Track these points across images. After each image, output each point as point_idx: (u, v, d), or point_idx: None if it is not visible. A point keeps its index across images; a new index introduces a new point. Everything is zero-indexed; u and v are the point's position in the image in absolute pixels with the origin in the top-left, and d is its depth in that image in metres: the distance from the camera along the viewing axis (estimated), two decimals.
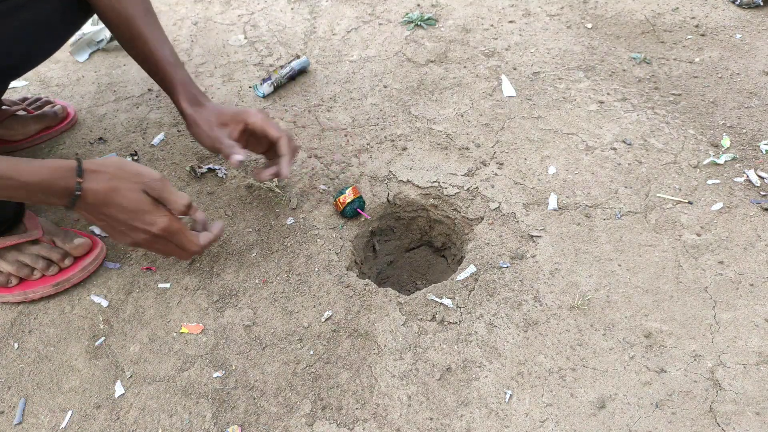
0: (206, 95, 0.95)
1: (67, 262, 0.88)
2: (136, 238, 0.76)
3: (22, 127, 1.11)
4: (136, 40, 0.91)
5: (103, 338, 0.83)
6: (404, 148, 1.11)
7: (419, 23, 1.46)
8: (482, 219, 0.98)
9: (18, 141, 1.12)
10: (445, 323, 0.82)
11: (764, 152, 1.07)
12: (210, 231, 0.85)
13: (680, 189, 1.01)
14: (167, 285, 0.89)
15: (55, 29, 0.91)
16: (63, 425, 0.74)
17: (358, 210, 0.96)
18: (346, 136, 1.15)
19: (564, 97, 1.22)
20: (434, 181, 1.04)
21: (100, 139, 1.16)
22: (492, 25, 1.45)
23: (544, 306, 0.84)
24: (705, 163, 1.06)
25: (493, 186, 1.03)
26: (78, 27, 0.98)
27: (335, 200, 0.97)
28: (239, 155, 0.87)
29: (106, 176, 0.73)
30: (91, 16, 0.96)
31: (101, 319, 0.85)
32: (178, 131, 1.17)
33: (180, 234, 0.78)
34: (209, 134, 0.90)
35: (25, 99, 1.19)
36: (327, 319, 0.84)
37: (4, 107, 1.12)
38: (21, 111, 1.14)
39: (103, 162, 0.74)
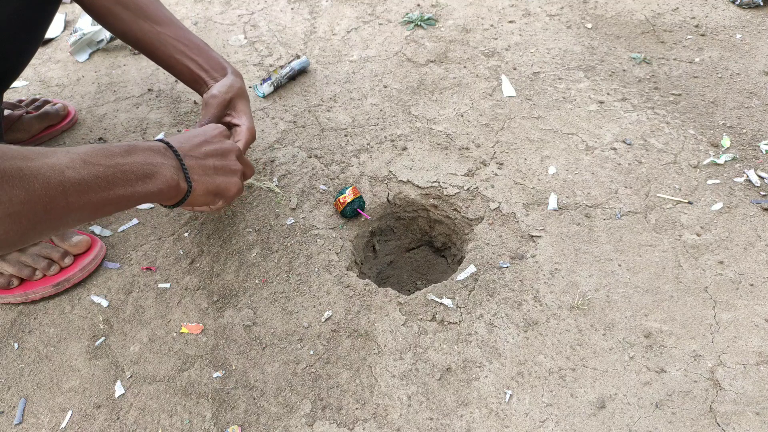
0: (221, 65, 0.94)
1: (68, 260, 0.88)
2: (228, 145, 0.76)
3: (27, 127, 1.12)
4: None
5: (103, 338, 0.83)
6: (404, 148, 1.11)
7: (419, 23, 1.46)
8: (482, 219, 0.98)
9: (23, 142, 1.13)
10: (445, 323, 0.82)
11: (764, 152, 1.07)
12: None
13: (680, 189, 1.01)
14: (167, 285, 0.89)
15: (29, 21, 0.89)
16: (63, 425, 0.74)
17: (358, 210, 0.96)
18: (346, 136, 1.15)
19: (564, 97, 1.22)
20: (434, 181, 1.04)
21: (100, 139, 1.16)
22: (492, 25, 1.45)
23: (544, 306, 0.84)
24: (705, 163, 1.06)
25: (493, 186, 1.03)
26: (51, 15, 0.95)
27: (335, 200, 0.97)
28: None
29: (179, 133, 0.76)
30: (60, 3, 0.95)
31: (101, 319, 0.85)
32: (178, 131, 1.17)
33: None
34: (209, 102, 0.90)
35: (21, 101, 1.19)
36: (327, 319, 0.84)
37: (8, 112, 1.12)
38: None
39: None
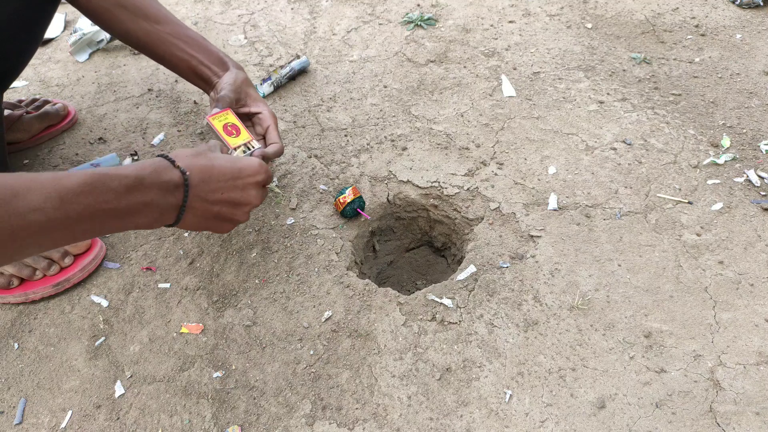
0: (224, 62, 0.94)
1: (68, 260, 0.88)
2: (250, 198, 0.72)
3: (27, 127, 1.12)
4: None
5: (103, 338, 0.83)
6: (404, 148, 1.11)
7: (419, 23, 1.46)
8: (482, 219, 0.98)
9: (24, 142, 1.13)
10: (445, 323, 0.82)
11: (764, 152, 1.07)
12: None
13: (680, 189, 1.01)
14: (167, 285, 0.89)
15: (28, 20, 0.89)
16: (63, 425, 0.74)
17: (358, 210, 0.96)
18: (346, 136, 1.15)
19: (564, 97, 1.22)
20: (434, 181, 1.04)
21: (100, 139, 1.16)
22: (492, 25, 1.45)
23: (544, 306, 0.84)
24: (705, 163, 1.06)
25: (493, 186, 1.02)
26: (50, 15, 0.95)
27: (335, 200, 0.97)
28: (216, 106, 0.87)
29: (187, 154, 0.68)
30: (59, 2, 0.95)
31: (101, 319, 0.85)
32: (178, 131, 1.17)
33: (268, 172, 0.76)
34: (223, 89, 0.88)
35: (21, 101, 1.19)
36: (327, 319, 0.84)
37: (8, 111, 1.12)
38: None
39: (173, 151, 0.69)
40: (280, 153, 0.87)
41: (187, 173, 0.65)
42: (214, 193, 0.68)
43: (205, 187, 0.67)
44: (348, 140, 1.14)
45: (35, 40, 0.93)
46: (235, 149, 0.83)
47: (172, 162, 0.65)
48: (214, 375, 0.78)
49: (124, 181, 0.60)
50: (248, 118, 0.92)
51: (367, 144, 1.13)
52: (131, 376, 0.79)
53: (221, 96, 0.87)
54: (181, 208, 0.66)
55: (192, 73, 0.92)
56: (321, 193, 1.03)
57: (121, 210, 0.60)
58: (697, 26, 1.43)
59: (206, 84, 0.93)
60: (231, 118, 0.86)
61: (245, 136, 0.85)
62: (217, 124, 0.84)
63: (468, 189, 1.02)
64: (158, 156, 0.66)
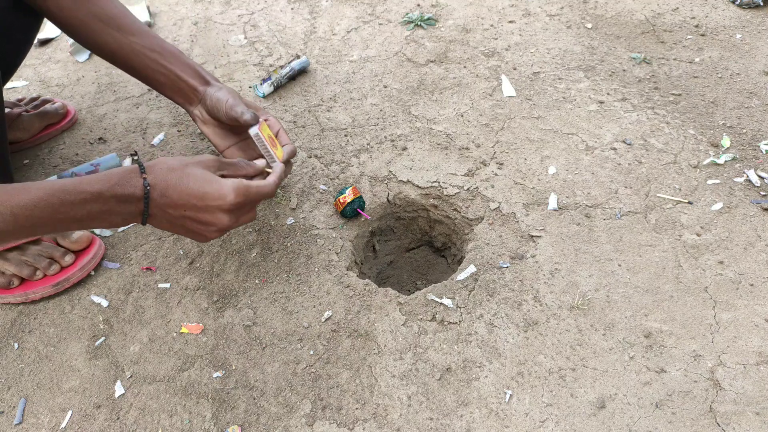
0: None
1: (68, 259, 0.88)
2: (215, 221, 0.72)
3: (27, 126, 1.12)
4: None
5: (103, 338, 0.83)
6: (404, 148, 1.11)
7: (419, 23, 1.46)
8: (482, 219, 0.98)
9: (24, 141, 1.13)
10: (445, 323, 0.82)
11: (764, 152, 1.07)
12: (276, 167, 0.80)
13: (680, 189, 1.01)
14: (167, 285, 0.89)
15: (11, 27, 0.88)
16: (63, 425, 0.74)
17: (358, 210, 0.96)
18: (346, 136, 1.15)
19: (564, 97, 1.22)
20: (434, 181, 1.04)
21: (100, 139, 1.16)
22: (492, 25, 1.45)
23: (544, 306, 0.84)
24: (705, 163, 1.06)
25: (493, 186, 1.03)
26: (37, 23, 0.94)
27: (335, 200, 0.97)
28: (249, 114, 0.83)
29: (165, 167, 0.70)
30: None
31: (101, 319, 0.85)
32: (178, 131, 1.17)
33: (252, 189, 0.73)
34: (228, 101, 0.85)
35: (20, 100, 1.19)
36: (327, 319, 0.84)
37: (7, 110, 1.12)
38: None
39: (158, 159, 0.73)
40: (294, 152, 0.87)
41: (149, 187, 0.68)
42: (176, 209, 0.70)
43: (165, 201, 0.69)
44: (348, 140, 1.14)
45: (30, 40, 0.93)
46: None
47: (143, 172, 0.69)
48: (214, 375, 0.78)
49: (82, 195, 0.65)
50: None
51: (367, 144, 1.13)
52: (131, 376, 0.79)
53: (247, 108, 0.84)
54: (143, 214, 0.69)
55: (169, 87, 0.89)
56: (321, 193, 1.03)
57: (78, 217, 0.66)
58: (697, 26, 1.43)
59: (184, 98, 0.90)
60: (268, 129, 0.85)
61: (279, 148, 0.85)
62: (266, 136, 0.82)
63: (468, 189, 1.02)
64: (135, 163, 0.70)
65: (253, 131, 0.82)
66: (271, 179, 0.77)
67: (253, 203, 0.74)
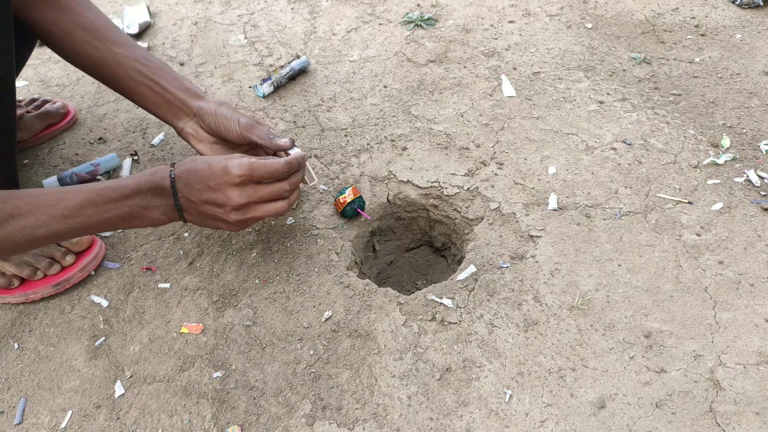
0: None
1: (69, 259, 0.88)
2: (227, 199, 0.71)
3: (29, 126, 1.12)
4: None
5: (103, 338, 0.83)
6: (404, 148, 1.11)
7: (419, 23, 1.46)
8: (482, 219, 0.98)
9: (25, 141, 1.13)
10: (445, 323, 0.82)
11: (764, 152, 1.07)
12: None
13: (680, 189, 1.01)
14: (167, 285, 0.89)
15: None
16: (63, 425, 0.74)
17: (358, 210, 0.96)
18: (346, 136, 1.15)
19: (564, 97, 1.22)
20: (434, 181, 1.04)
21: (100, 139, 1.16)
22: (492, 25, 1.45)
23: (544, 306, 0.84)
24: (705, 163, 1.06)
25: (493, 186, 1.03)
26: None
27: (335, 200, 0.97)
28: (285, 139, 0.84)
29: (190, 158, 0.74)
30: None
31: (101, 319, 0.85)
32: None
33: (257, 163, 0.72)
34: (240, 120, 0.84)
35: (20, 101, 1.19)
36: (327, 319, 0.84)
37: None
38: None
39: (189, 157, 0.76)
40: (289, 144, 0.84)
41: (173, 177, 0.72)
42: (195, 194, 0.72)
43: (187, 190, 0.72)
44: (348, 140, 1.14)
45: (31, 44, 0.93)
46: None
47: (172, 165, 0.73)
48: (214, 375, 0.78)
49: (121, 191, 0.70)
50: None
51: (367, 144, 1.13)
52: (131, 376, 0.79)
53: (272, 134, 0.84)
54: (177, 207, 0.73)
55: (155, 100, 0.87)
56: (321, 193, 1.03)
57: (122, 215, 0.71)
58: (697, 26, 1.43)
59: (172, 113, 0.87)
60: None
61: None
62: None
63: (468, 189, 1.02)
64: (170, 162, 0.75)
65: (297, 153, 0.82)
66: (283, 159, 0.76)
67: (262, 179, 0.73)
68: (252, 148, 0.90)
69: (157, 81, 0.86)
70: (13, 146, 0.89)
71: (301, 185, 0.91)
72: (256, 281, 0.89)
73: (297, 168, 0.78)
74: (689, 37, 1.39)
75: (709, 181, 1.02)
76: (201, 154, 0.89)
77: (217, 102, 0.87)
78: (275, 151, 0.86)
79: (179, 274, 0.91)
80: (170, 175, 0.72)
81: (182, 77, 0.89)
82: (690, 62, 1.31)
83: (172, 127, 0.90)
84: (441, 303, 0.85)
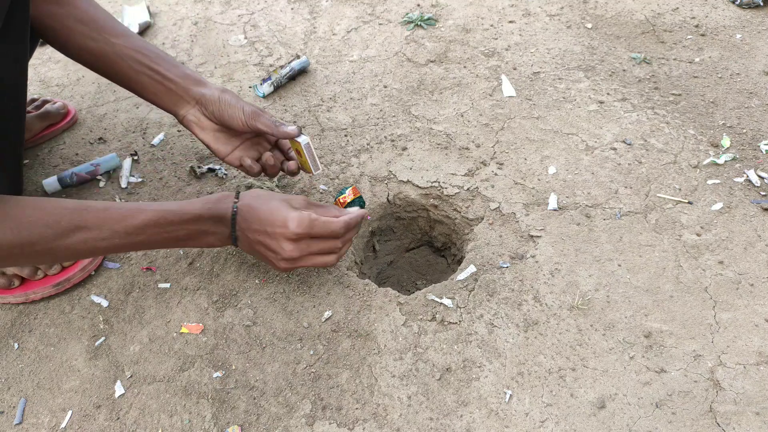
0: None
1: None
2: (279, 249, 0.74)
3: (29, 126, 1.11)
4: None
5: (103, 338, 0.83)
6: (404, 148, 1.11)
7: (419, 23, 1.46)
8: (482, 219, 0.98)
9: (25, 141, 1.13)
10: (445, 323, 0.82)
11: (764, 152, 1.07)
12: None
13: (680, 189, 1.01)
14: (167, 285, 0.89)
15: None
16: (63, 425, 0.74)
17: None
18: (346, 136, 1.15)
19: (564, 97, 1.22)
20: (434, 181, 1.04)
21: (100, 139, 1.16)
22: (492, 25, 1.45)
23: (544, 306, 0.84)
24: (705, 163, 1.06)
25: (493, 186, 1.03)
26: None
27: (335, 200, 0.97)
28: (293, 126, 0.85)
29: (254, 194, 0.76)
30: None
31: (101, 319, 0.85)
32: (178, 131, 1.17)
33: (318, 221, 0.74)
34: (244, 108, 0.84)
35: None
36: (327, 319, 0.84)
37: None
38: None
39: (258, 190, 0.79)
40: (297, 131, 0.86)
41: (235, 210, 0.75)
42: (251, 233, 0.75)
43: (245, 225, 0.75)
44: (348, 140, 1.14)
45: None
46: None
47: (236, 196, 0.76)
48: (214, 375, 0.78)
49: (184, 216, 0.73)
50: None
51: (367, 144, 1.13)
52: (131, 376, 0.79)
53: (278, 121, 0.85)
54: (232, 236, 0.76)
55: (156, 89, 0.86)
56: (321, 193, 1.03)
57: (181, 237, 0.74)
58: (697, 26, 1.43)
59: (173, 101, 0.87)
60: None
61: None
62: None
63: (468, 189, 1.02)
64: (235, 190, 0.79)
65: (304, 141, 0.86)
66: (343, 218, 0.77)
67: (319, 236, 0.75)
68: (256, 135, 0.90)
69: (157, 70, 0.86)
70: (20, 146, 0.90)
71: (305, 173, 0.92)
72: (256, 281, 0.89)
73: (354, 227, 0.80)
74: (689, 37, 1.39)
75: (709, 181, 1.02)
76: (204, 142, 0.89)
77: (220, 88, 0.87)
78: (281, 138, 0.87)
79: (179, 274, 0.91)
80: (233, 208, 0.75)
81: (182, 65, 0.89)
82: (690, 62, 1.31)
83: (173, 115, 0.89)
84: (441, 303, 0.85)
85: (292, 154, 0.94)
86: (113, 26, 0.87)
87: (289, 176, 0.98)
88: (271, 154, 0.91)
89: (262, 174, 0.92)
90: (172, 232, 0.73)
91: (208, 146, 0.90)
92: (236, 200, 0.76)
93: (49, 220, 0.66)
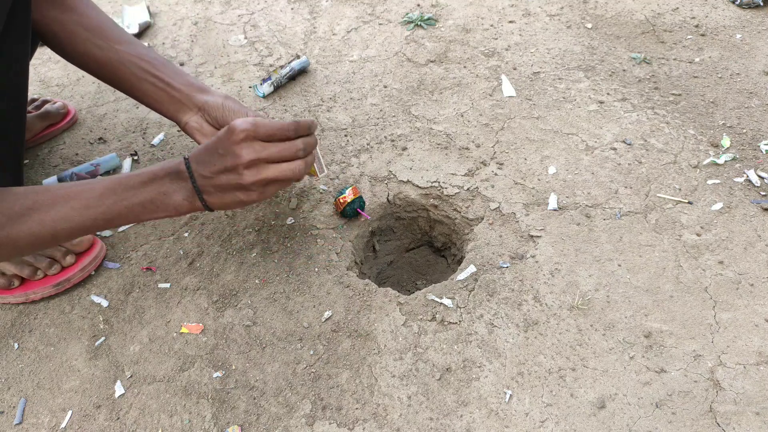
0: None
1: (69, 259, 0.88)
2: (237, 159, 0.68)
3: (30, 126, 1.12)
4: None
5: (103, 338, 0.83)
6: (404, 148, 1.11)
7: (419, 23, 1.46)
8: (482, 219, 0.98)
9: (26, 141, 1.13)
10: (445, 323, 0.82)
11: (764, 152, 1.07)
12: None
13: (680, 189, 1.01)
14: (167, 285, 0.89)
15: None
16: (63, 425, 0.74)
17: (358, 210, 0.96)
18: (346, 136, 1.15)
19: (564, 97, 1.22)
20: (434, 181, 1.04)
21: (100, 139, 1.16)
22: (492, 25, 1.45)
23: (544, 306, 0.84)
24: (705, 163, 1.06)
25: (493, 186, 1.03)
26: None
27: (335, 200, 0.97)
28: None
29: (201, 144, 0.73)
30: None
31: (101, 319, 0.85)
32: (178, 131, 1.17)
33: (261, 120, 0.69)
34: (248, 114, 0.85)
35: None
36: (327, 319, 0.84)
37: None
38: None
39: None
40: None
41: (188, 157, 0.71)
42: (208, 168, 0.70)
43: (200, 167, 0.70)
44: (348, 140, 1.14)
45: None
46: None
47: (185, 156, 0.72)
48: (214, 375, 0.78)
49: (139, 178, 0.69)
50: None
51: (367, 144, 1.13)
52: (131, 376, 0.79)
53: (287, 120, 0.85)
54: (196, 190, 0.71)
55: (158, 96, 0.87)
56: (321, 193, 1.03)
57: (143, 201, 0.70)
58: (697, 26, 1.43)
59: (176, 107, 0.88)
60: None
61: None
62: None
63: (468, 189, 1.02)
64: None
65: (308, 119, 0.83)
66: (290, 120, 0.72)
67: (270, 138, 0.69)
68: None
69: (160, 77, 0.86)
70: (21, 147, 0.90)
71: (311, 177, 0.92)
72: (256, 281, 0.89)
73: (307, 131, 0.73)
74: (689, 37, 1.39)
75: (709, 181, 1.02)
76: None
77: (222, 95, 0.88)
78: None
79: (179, 274, 0.91)
80: (184, 158, 0.72)
81: (185, 73, 0.90)
82: (690, 62, 1.31)
83: (175, 122, 0.90)
84: (441, 303, 0.85)
85: None
86: (117, 33, 0.87)
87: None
88: None
89: None
90: (131, 198, 0.69)
91: None
92: (186, 157, 0.72)
93: (2, 207, 0.64)
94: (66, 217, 0.67)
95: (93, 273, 0.90)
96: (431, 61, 1.34)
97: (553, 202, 0.99)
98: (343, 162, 1.09)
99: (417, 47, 1.39)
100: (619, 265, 0.89)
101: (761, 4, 1.47)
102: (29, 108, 1.17)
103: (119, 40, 0.86)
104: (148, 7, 1.53)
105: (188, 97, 0.87)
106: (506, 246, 0.93)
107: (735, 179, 1.02)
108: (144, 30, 1.47)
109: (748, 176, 1.02)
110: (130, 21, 1.46)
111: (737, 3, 1.49)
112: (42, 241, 0.69)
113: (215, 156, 0.69)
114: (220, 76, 1.32)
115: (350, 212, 0.96)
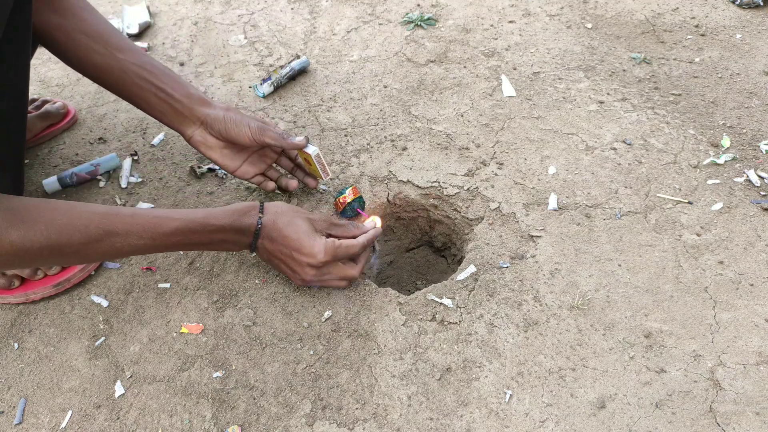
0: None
1: None
2: (301, 273, 0.81)
3: (30, 126, 1.11)
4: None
5: (103, 338, 0.83)
6: (404, 148, 1.11)
7: (419, 23, 1.46)
8: (482, 219, 0.98)
9: (26, 141, 1.13)
10: (445, 323, 0.82)
11: (764, 152, 1.07)
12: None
13: (680, 189, 1.01)
14: (167, 285, 0.89)
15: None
16: (63, 425, 0.74)
17: (358, 210, 0.96)
18: (346, 136, 1.15)
19: (564, 97, 1.22)
20: (434, 181, 1.04)
21: (100, 139, 1.16)
22: (492, 25, 1.45)
23: (544, 306, 0.84)
24: (705, 163, 1.06)
25: (493, 186, 1.03)
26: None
27: (335, 200, 0.97)
28: (300, 137, 0.90)
29: (278, 210, 0.80)
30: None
31: (101, 319, 0.85)
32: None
33: (341, 248, 0.81)
34: (250, 124, 0.88)
35: None
36: (327, 319, 0.84)
37: None
38: None
39: (281, 203, 0.83)
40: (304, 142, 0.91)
41: (260, 226, 0.79)
42: (275, 251, 0.80)
43: (268, 242, 0.80)
44: (348, 140, 1.14)
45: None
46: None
47: (260, 210, 0.80)
48: (214, 375, 0.78)
49: (210, 226, 0.76)
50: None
51: (367, 144, 1.13)
52: (131, 376, 0.79)
53: (285, 133, 0.90)
54: (252, 246, 0.81)
55: (161, 107, 0.88)
56: (321, 193, 1.03)
57: (202, 243, 0.78)
58: (697, 26, 1.43)
59: (179, 120, 0.89)
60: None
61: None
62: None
63: (468, 189, 1.02)
64: (258, 201, 0.85)
65: (314, 152, 0.91)
66: (360, 240, 0.84)
67: (339, 259, 0.82)
68: (262, 147, 0.93)
69: (162, 88, 0.87)
70: (22, 147, 0.90)
71: (314, 181, 0.97)
72: (256, 281, 0.89)
73: (371, 245, 0.87)
74: (689, 37, 1.39)
75: (709, 181, 1.02)
76: (212, 160, 0.93)
77: (223, 107, 0.90)
78: (289, 150, 0.94)
79: (179, 274, 0.91)
80: (257, 223, 0.78)
81: (186, 83, 0.91)
82: (690, 62, 1.31)
83: (180, 134, 0.92)
84: (441, 303, 0.85)
85: (300, 161, 0.99)
86: (119, 41, 0.87)
87: (287, 176, 1.01)
88: (292, 176, 1.00)
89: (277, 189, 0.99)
90: (195, 240, 0.76)
91: (216, 163, 0.93)
92: (261, 215, 0.79)
93: (79, 225, 0.67)
94: (134, 245, 0.72)
95: (93, 273, 0.90)
96: (431, 61, 1.34)
97: (553, 202, 0.99)
98: (343, 162, 1.09)
99: (417, 47, 1.39)
100: (619, 265, 0.89)
101: (761, 4, 1.47)
102: (29, 108, 1.16)
103: (119, 47, 0.86)
104: (148, 7, 1.53)
105: (190, 110, 0.88)
106: (506, 246, 0.93)
107: (735, 179, 1.02)
108: (144, 30, 1.47)
109: (748, 176, 1.02)
110: (130, 21, 1.46)
111: (737, 3, 1.49)
112: (104, 258, 0.77)
113: (288, 255, 0.80)
114: (220, 76, 1.32)
115: (350, 212, 0.96)
